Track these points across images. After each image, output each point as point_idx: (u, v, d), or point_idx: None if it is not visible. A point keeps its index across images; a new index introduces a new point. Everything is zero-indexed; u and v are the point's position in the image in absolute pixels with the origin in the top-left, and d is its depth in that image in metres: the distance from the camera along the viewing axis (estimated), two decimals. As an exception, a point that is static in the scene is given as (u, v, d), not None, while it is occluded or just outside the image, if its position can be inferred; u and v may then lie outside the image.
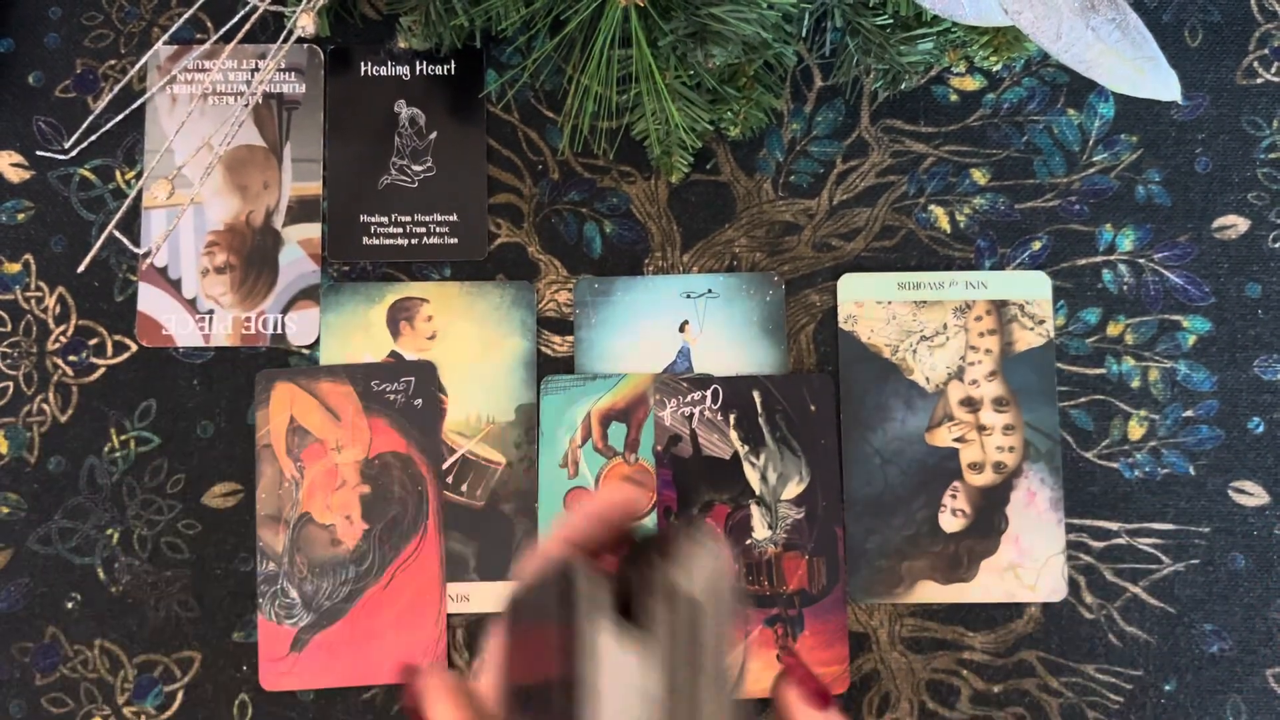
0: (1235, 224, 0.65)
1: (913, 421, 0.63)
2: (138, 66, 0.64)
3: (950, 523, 0.63)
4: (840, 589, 0.62)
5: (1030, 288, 0.64)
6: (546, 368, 0.64)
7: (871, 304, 0.64)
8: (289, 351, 0.64)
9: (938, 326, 0.64)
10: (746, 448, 0.63)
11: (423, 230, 0.65)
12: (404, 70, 0.66)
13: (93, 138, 0.62)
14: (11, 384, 0.64)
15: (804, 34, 0.65)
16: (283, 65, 0.66)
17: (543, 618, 0.32)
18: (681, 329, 0.64)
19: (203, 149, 0.59)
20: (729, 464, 0.63)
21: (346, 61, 0.66)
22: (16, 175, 0.65)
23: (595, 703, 0.30)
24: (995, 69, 0.66)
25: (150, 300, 0.64)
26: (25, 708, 0.61)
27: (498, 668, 0.34)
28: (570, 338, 0.64)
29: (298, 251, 0.65)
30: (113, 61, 0.66)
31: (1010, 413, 0.63)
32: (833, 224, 0.65)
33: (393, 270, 0.65)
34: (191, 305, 0.64)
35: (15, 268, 0.64)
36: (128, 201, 0.60)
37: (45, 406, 0.63)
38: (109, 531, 0.63)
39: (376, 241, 0.65)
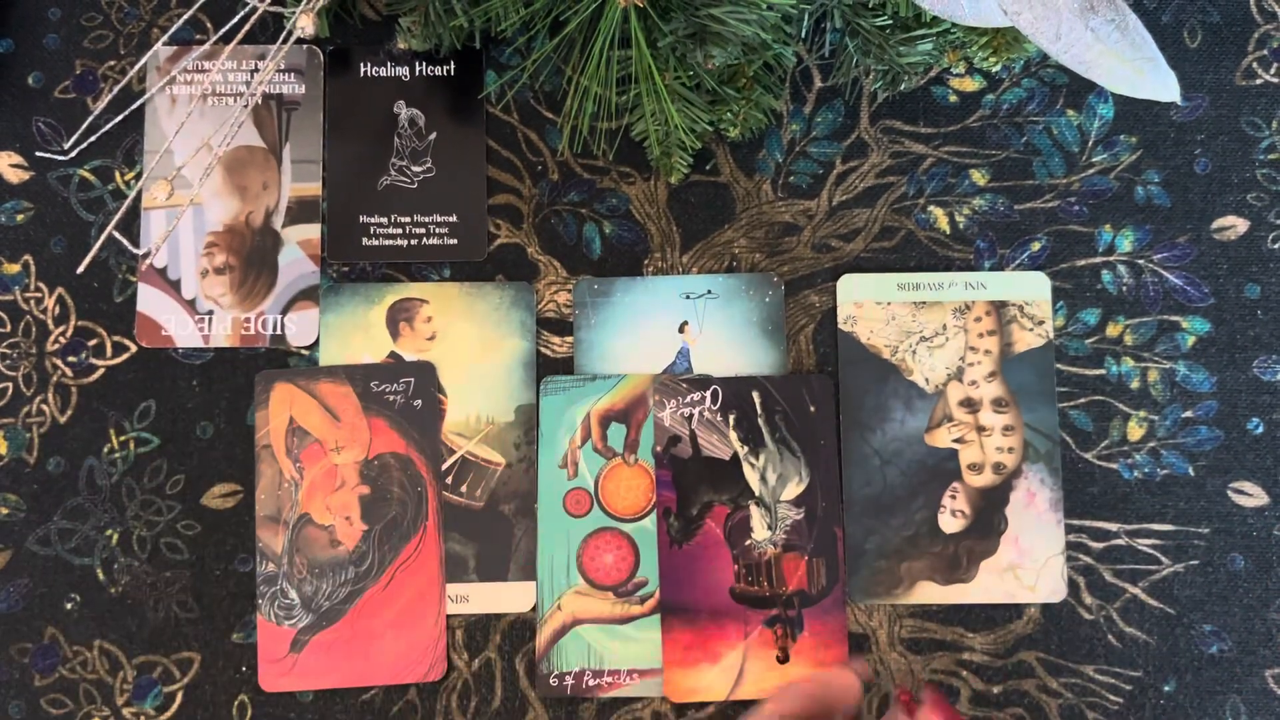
0: (1234, 225, 0.65)
1: (912, 422, 0.63)
2: (137, 67, 0.64)
3: (950, 523, 0.63)
4: (840, 590, 0.62)
5: (1030, 288, 0.64)
6: (546, 368, 0.64)
7: (871, 305, 0.64)
8: (288, 352, 0.64)
9: (937, 327, 0.64)
10: (746, 448, 0.63)
11: (422, 231, 0.65)
12: (403, 71, 0.66)
13: (92, 138, 0.61)
14: (11, 385, 0.64)
15: (803, 35, 0.65)
16: (282, 66, 0.66)
17: None
18: (681, 330, 0.64)
19: (202, 150, 0.59)
20: (728, 465, 0.63)
21: (346, 62, 0.66)
22: (16, 176, 0.65)
23: None
24: (995, 70, 0.66)
25: (150, 301, 0.64)
26: (25, 708, 0.61)
27: None
28: (570, 338, 0.64)
29: (297, 252, 0.65)
30: (112, 62, 0.66)
31: (1010, 413, 0.63)
32: (832, 225, 0.65)
33: (392, 271, 0.65)
34: (191, 306, 0.64)
35: (15, 268, 0.64)
36: (127, 202, 0.60)
37: (45, 407, 0.63)
38: (108, 532, 0.62)
39: (376, 242, 0.65)
